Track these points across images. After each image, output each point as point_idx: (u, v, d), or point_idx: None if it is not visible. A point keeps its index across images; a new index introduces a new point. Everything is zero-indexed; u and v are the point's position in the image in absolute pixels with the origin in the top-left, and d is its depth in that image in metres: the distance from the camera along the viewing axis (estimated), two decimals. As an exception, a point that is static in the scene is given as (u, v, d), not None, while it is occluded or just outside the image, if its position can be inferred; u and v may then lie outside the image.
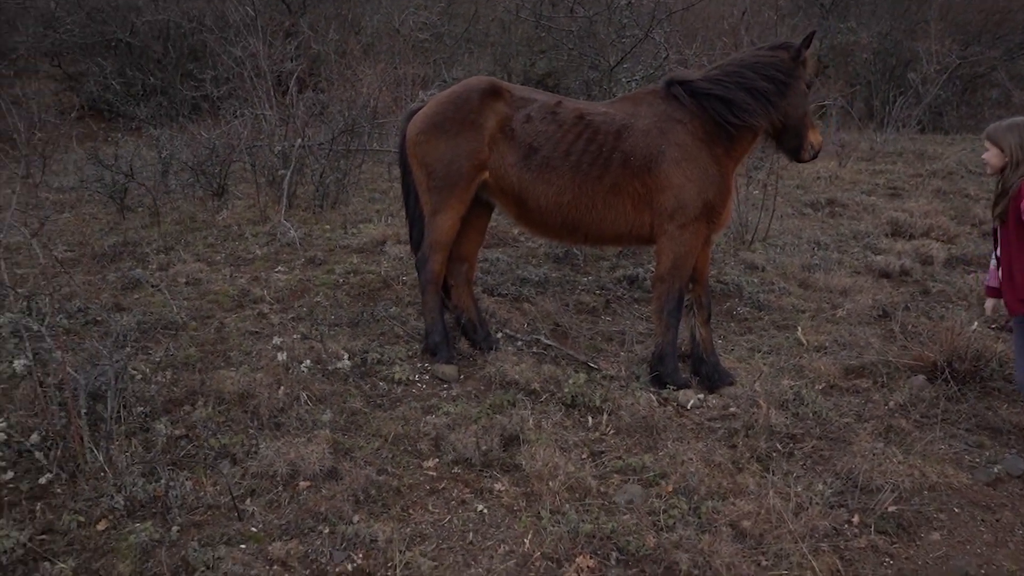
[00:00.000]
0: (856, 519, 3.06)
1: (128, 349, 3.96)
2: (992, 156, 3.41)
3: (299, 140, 6.96)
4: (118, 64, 12.65)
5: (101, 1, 12.90)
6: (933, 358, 4.29)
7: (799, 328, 4.89)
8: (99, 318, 4.57)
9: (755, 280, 5.71)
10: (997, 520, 3.13)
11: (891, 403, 4.00)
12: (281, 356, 3.98)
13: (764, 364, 4.42)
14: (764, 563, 2.76)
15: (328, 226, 6.82)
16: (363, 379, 4.07)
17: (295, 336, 4.33)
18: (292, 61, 7.96)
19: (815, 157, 4.35)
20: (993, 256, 3.62)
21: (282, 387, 3.78)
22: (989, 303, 3.77)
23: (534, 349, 4.48)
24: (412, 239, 4.63)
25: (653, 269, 4.59)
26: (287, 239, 6.22)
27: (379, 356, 4.22)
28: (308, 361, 4.01)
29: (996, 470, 3.47)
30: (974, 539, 3.00)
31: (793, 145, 4.25)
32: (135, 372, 3.80)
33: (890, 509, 3.11)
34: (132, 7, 12.93)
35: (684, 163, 4.07)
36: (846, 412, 3.90)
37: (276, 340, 4.21)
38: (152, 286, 5.14)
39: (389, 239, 6.18)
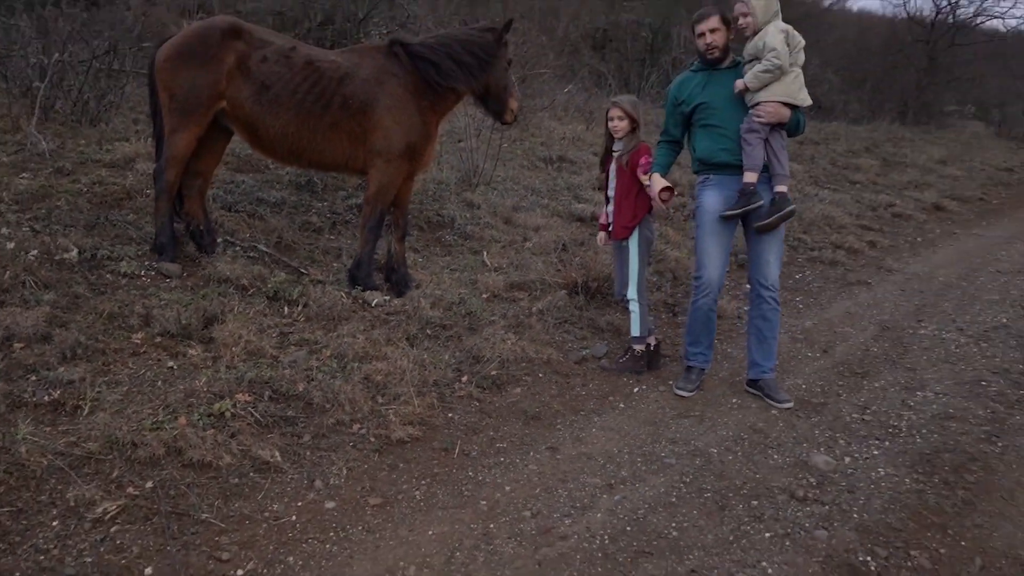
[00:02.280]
0: (465, 378, 4.19)
1: None
2: (624, 123, 4.56)
3: (56, 55, 7.12)
4: None
5: None
6: (575, 278, 5.58)
7: (485, 253, 6.04)
8: None
9: (468, 215, 6.81)
10: (567, 382, 4.38)
11: (534, 309, 5.21)
12: (9, 244, 4.48)
13: (449, 278, 5.49)
14: (380, 399, 3.79)
15: (84, 141, 7.09)
16: (91, 271, 4.65)
17: (25, 229, 4.81)
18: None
19: (515, 120, 5.42)
20: (605, 197, 4.85)
21: (8, 271, 4.30)
22: (601, 235, 5.01)
23: (251, 254, 5.26)
24: (156, 154, 5.21)
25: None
26: (37, 149, 6.47)
27: (109, 253, 4.81)
28: (35, 251, 4.54)
29: (584, 352, 4.76)
30: (544, 393, 4.22)
31: (496, 109, 5.28)
32: None
33: (492, 373, 4.27)
34: None
35: (395, 110, 4.98)
36: (495, 313, 5.06)
37: (4, 230, 4.68)
38: None
39: (141, 156, 6.61)
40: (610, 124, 4.61)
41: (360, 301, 4.90)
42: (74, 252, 4.68)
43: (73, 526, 2.73)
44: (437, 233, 6.44)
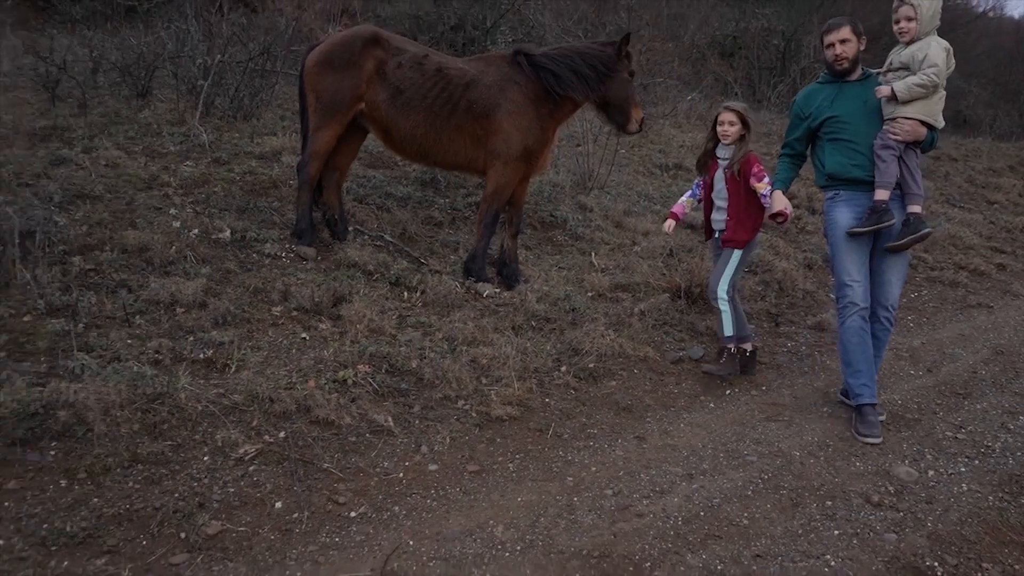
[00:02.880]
0: (564, 368, 4.49)
1: (53, 204, 5.07)
2: (735, 128, 4.69)
3: (218, 56, 7.94)
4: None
5: None
6: (679, 283, 5.77)
7: (594, 254, 6.31)
8: (30, 183, 5.61)
9: (580, 217, 7.09)
10: (661, 380, 4.60)
11: (635, 309, 5.44)
12: (176, 223, 5.15)
13: (557, 275, 5.81)
14: (484, 380, 4.15)
15: (237, 135, 7.87)
16: (240, 250, 5.27)
17: (189, 211, 5.49)
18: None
19: (640, 130, 5.65)
20: (692, 194, 4.95)
21: (174, 246, 4.96)
22: (670, 223, 4.87)
23: (378, 243, 5.76)
24: (302, 148, 5.81)
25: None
26: (199, 140, 7.27)
27: (256, 235, 5.42)
28: (196, 230, 5.19)
29: (680, 354, 4.96)
30: (637, 388, 4.46)
31: (620, 120, 5.52)
32: (58, 220, 4.92)
33: (590, 365, 4.55)
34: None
35: (514, 115, 5.36)
36: (598, 311, 5.32)
37: (172, 211, 5.37)
38: (76, 165, 6.17)
39: (286, 150, 7.29)
40: (720, 128, 4.65)
41: (472, 291, 5.29)
42: (227, 232, 5.30)
43: (220, 462, 3.23)
44: (549, 233, 6.76)
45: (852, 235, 4.08)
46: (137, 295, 4.43)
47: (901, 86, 3.90)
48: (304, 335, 4.36)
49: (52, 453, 3.11)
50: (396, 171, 7.47)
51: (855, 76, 4.23)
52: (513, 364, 4.29)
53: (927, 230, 4.01)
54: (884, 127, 4.02)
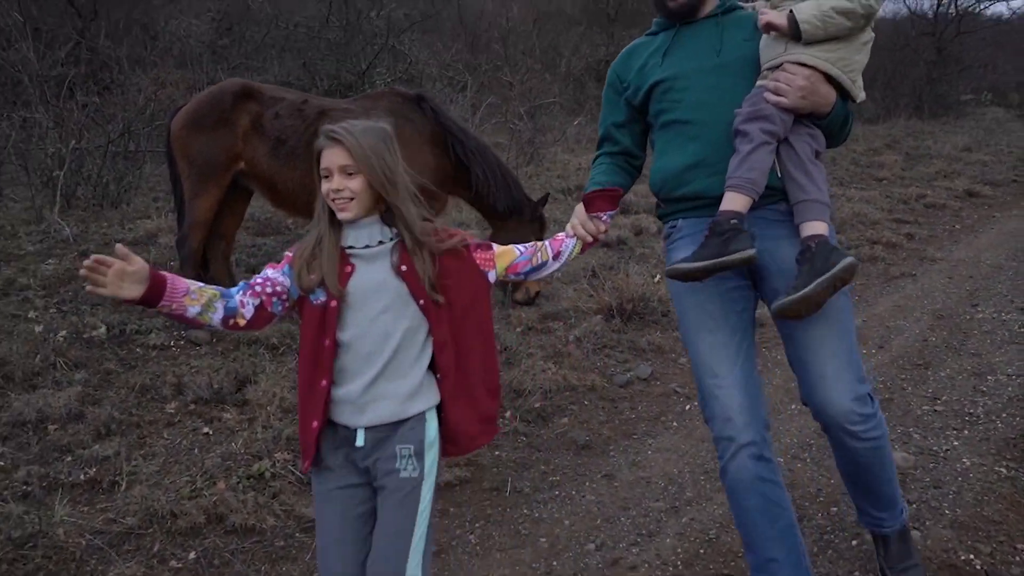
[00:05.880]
0: (508, 414, 4.02)
1: None
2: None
3: (72, 142, 7.23)
4: None
5: None
6: (609, 302, 5.42)
7: (510, 286, 5.90)
8: None
9: (492, 252, 6.70)
10: (615, 407, 4.20)
11: (569, 336, 5.05)
12: (38, 328, 4.45)
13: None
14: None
15: (106, 223, 7.15)
16: (120, 346, 4.60)
17: (52, 311, 4.78)
18: (67, 66, 8.14)
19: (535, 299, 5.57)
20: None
21: (38, 354, 4.25)
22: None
23: (279, 313, 5.18)
24: (179, 223, 5.21)
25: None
26: (61, 236, 6.52)
27: (137, 327, 4.76)
28: (64, 332, 4.50)
29: (629, 375, 4.57)
30: (591, 420, 4.04)
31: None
32: None
33: (536, 405, 4.10)
34: None
35: (410, 154, 4.94)
36: (532, 345, 4.90)
37: (32, 314, 4.65)
38: (-87, 281, 5.35)
39: (163, 231, 6.64)
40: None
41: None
42: (103, 329, 4.63)
43: (116, 607, 2.59)
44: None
45: (679, 276, 2.18)
46: (-3, 419, 3.72)
47: (808, 7, 2.17)
48: (206, 430, 3.74)
49: None
50: (288, 235, 6.92)
51: (706, 10, 2.41)
52: (453, 419, 3.79)
53: (848, 260, 2.09)
54: (757, 84, 2.26)
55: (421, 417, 1.95)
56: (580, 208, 2.25)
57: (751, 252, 2.09)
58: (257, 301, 1.90)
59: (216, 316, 1.85)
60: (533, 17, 15.15)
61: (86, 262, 1.66)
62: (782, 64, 2.21)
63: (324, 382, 1.90)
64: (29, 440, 3.60)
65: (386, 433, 1.92)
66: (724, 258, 2.10)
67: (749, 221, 2.19)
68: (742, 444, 2.18)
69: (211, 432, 3.72)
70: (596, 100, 16.71)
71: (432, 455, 1.96)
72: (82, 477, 3.29)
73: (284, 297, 1.93)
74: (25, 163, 7.28)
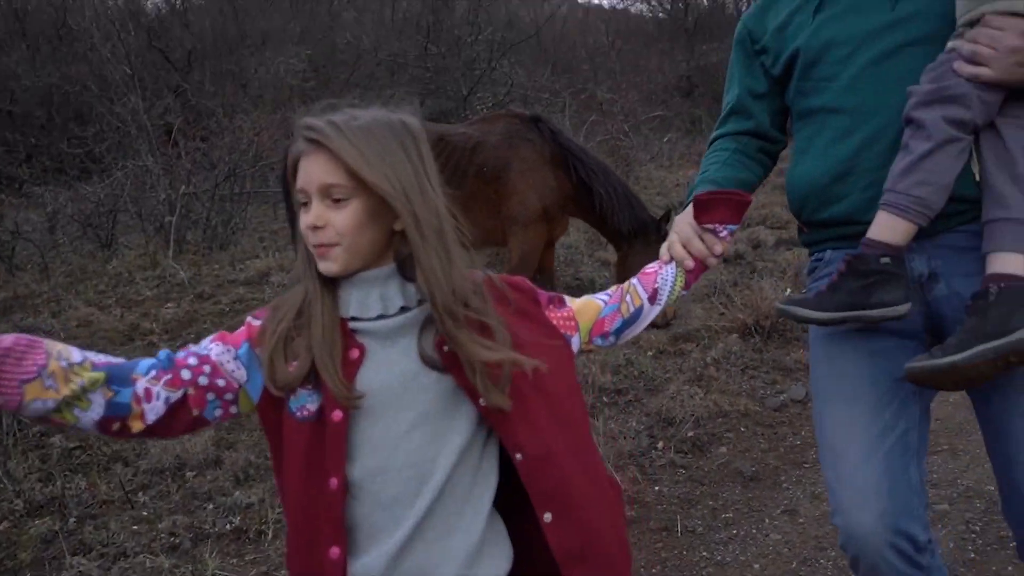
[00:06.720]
0: (661, 444, 3.71)
1: (21, 381, 4.30)
2: None
3: (182, 187, 7.36)
4: (-1, 132, 12.67)
5: (-24, 72, 12.92)
6: (744, 320, 5.06)
7: (638, 308, 5.61)
8: (-8, 362, 4.87)
9: (605, 274, 6.43)
10: (774, 433, 3.83)
11: (707, 358, 4.70)
12: (167, 372, 4.40)
13: (606, 340, 5.08)
14: (577, 482, 3.36)
15: (217, 265, 7.22)
16: (246, 387, 4.51)
17: (180, 355, 4.74)
18: (172, 114, 8.36)
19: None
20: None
21: (169, 399, 4.19)
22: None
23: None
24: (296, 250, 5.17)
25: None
26: (177, 280, 6.59)
27: (261, 367, 4.68)
28: (193, 375, 4.43)
29: (782, 398, 4.20)
30: (753, 448, 3.68)
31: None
32: (29, 399, 4.15)
33: (689, 434, 3.78)
34: (11, 75, 12.99)
35: (527, 173, 4.78)
36: (668, 369, 4.58)
37: (161, 359, 4.62)
38: (43, 331, 5.44)
39: (274, 270, 6.63)
40: None
41: (522, 377, 4.54)
42: (229, 370, 4.56)
43: (282, 671, 2.40)
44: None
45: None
46: (135, 467, 3.65)
47: None
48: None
49: None
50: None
51: None
52: (605, 454, 3.51)
53: None
54: (947, 47, 1.48)
55: None
56: (685, 218, 1.53)
57: (902, 310, 1.45)
58: (177, 394, 1.14)
59: (89, 416, 1.09)
60: (614, 37, 14.97)
61: None
62: (983, 16, 1.42)
63: (336, 551, 1.13)
64: (169, 488, 3.50)
65: None
66: (859, 312, 1.47)
67: (929, 249, 1.53)
68: (862, 556, 1.56)
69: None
70: (682, 117, 16.36)
71: None
72: (228, 527, 3.14)
73: (230, 398, 1.19)
74: (140, 211, 7.45)
